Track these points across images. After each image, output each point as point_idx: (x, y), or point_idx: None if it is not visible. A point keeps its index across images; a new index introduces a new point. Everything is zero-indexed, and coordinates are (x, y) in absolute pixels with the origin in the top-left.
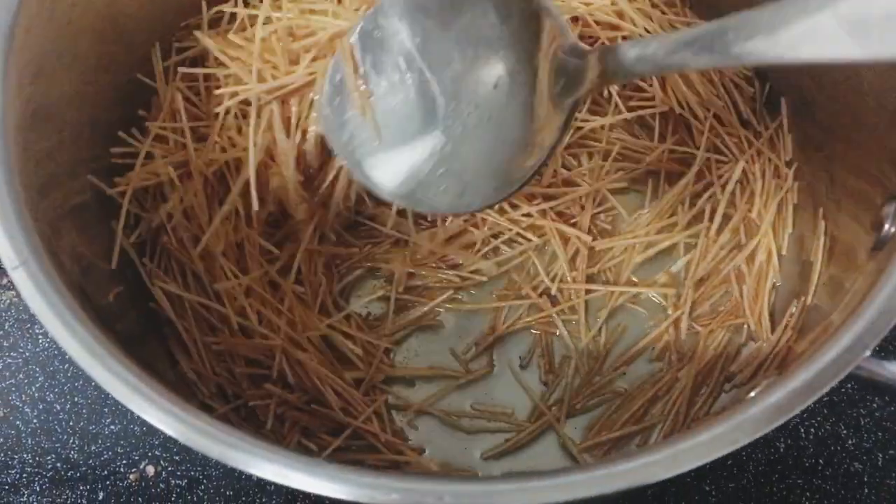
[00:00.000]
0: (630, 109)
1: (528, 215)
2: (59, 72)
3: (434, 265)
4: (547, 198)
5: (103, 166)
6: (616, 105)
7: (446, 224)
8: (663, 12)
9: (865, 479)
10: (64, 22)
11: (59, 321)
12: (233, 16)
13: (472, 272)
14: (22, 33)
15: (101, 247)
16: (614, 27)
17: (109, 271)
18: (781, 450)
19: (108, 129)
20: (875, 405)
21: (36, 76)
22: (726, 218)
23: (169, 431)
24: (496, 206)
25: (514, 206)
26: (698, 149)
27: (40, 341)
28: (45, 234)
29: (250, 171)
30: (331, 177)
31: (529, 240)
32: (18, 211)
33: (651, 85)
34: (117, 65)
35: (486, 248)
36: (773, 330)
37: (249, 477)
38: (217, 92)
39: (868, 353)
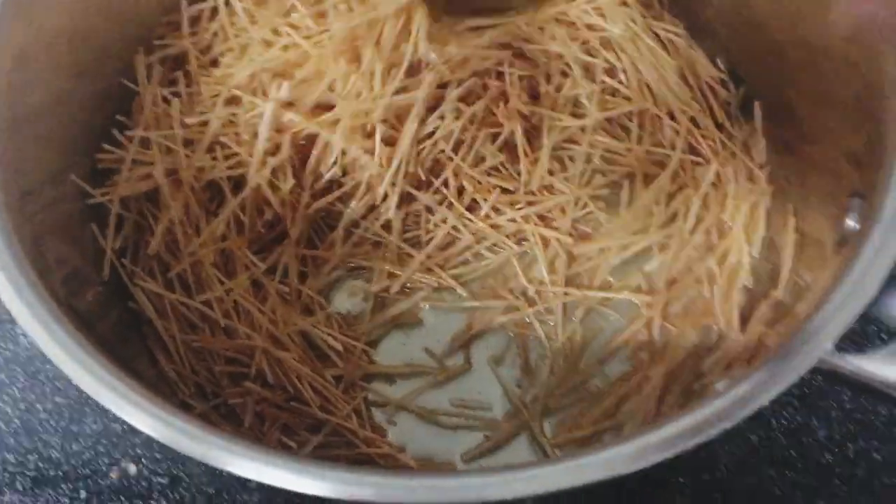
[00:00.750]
0: (607, 110)
1: (512, 220)
2: (37, 76)
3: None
4: (530, 203)
5: (86, 170)
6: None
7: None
8: (643, 15)
9: (836, 471)
10: (39, 26)
11: (39, 324)
12: (214, 11)
13: (453, 275)
14: None
15: (82, 248)
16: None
17: (88, 271)
18: (754, 442)
19: (92, 133)
20: (845, 397)
21: (13, 79)
22: (700, 219)
23: (148, 431)
24: (482, 213)
25: (498, 212)
26: (674, 150)
27: (21, 341)
28: (25, 237)
29: (253, 181)
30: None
31: (511, 247)
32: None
33: (628, 86)
34: (97, 69)
35: (469, 252)
36: (742, 329)
37: (230, 474)
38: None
39: (830, 345)
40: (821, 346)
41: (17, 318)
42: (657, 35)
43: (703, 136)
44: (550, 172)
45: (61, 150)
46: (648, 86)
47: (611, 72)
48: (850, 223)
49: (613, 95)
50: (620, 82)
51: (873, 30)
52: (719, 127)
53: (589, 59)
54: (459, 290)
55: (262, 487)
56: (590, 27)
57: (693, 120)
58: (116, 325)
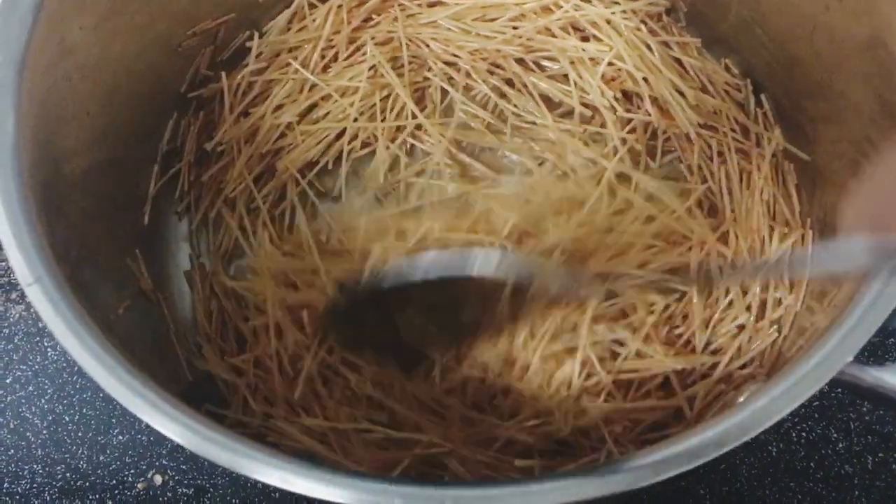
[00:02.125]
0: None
1: None
2: (69, 101)
3: None
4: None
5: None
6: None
7: None
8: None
9: (856, 482)
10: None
11: (73, 336)
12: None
13: None
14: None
15: (113, 266)
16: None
17: (118, 284)
18: (774, 453)
19: (125, 164)
20: (864, 409)
21: (45, 106)
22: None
23: (177, 439)
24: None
25: None
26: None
27: (49, 354)
28: (59, 250)
29: None
30: None
31: None
32: (33, 228)
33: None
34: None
35: None
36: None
37: (255, 485)
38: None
39: (850, 358)
40: (842, 358)
41: (52, 330)
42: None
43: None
44: None
45: (96, 173)
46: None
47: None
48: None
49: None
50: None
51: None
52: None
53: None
54: None
55: (285, 498)
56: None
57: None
58: (145, 338)
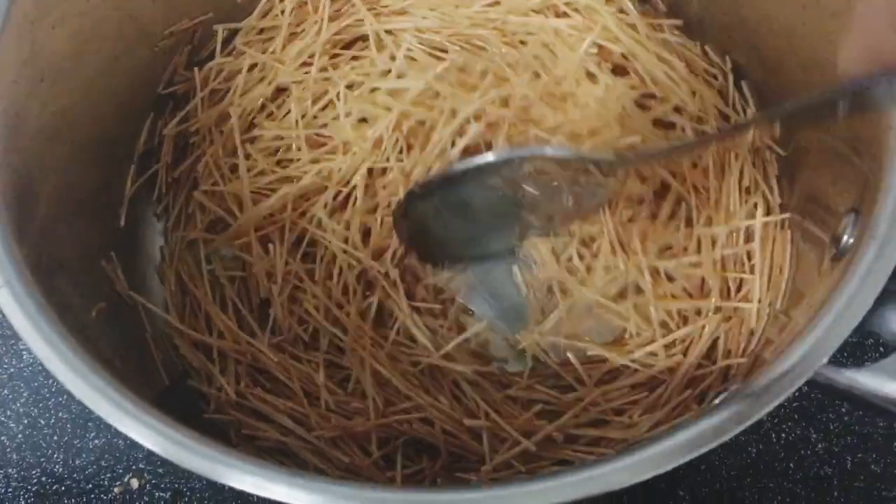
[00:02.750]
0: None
1: None
2: (41, 94)
3: None
4: None
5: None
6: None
7: None
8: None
9: (835, 483)
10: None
11: (43, 340)
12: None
13: None
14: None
15: (87, 269)
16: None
17: (91, 287)
18: (753, 454)
19: (100, 166)
20: (844, 410)
21: (17, 102)
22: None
23: (149, 445)
24: None
25: None
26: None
27: (24, 357)
28: (30, 254)
29: None
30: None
31: None
32: (3, 230)
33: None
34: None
35: None
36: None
37: (232, 489)
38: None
39: (825, 360)
40: (818, 360)
41: (22, 334)
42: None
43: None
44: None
45: (70, 171)
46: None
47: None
48: (846, 237)
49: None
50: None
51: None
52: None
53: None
54: None
55: (263, 502)
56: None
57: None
58: (118, 341)
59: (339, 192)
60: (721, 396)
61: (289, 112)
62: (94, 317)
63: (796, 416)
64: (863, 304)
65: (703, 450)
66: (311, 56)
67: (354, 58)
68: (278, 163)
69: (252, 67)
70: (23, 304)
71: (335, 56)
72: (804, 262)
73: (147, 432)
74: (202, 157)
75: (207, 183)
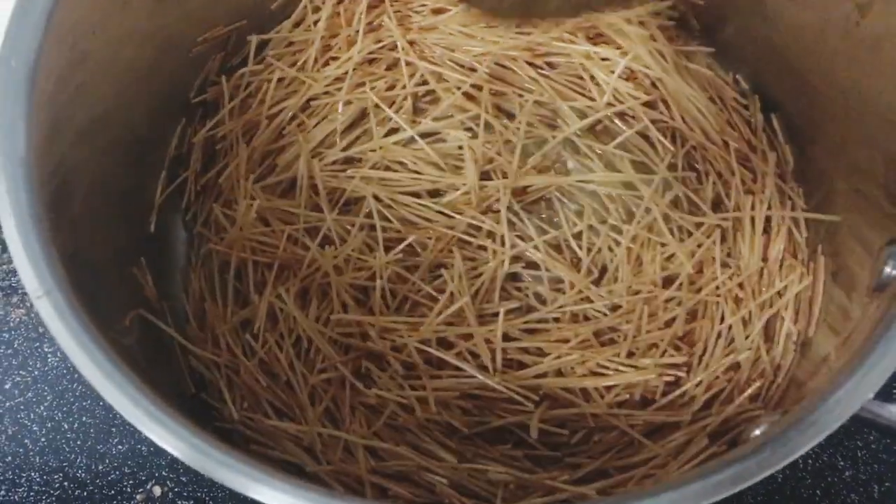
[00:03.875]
0: None
1: None
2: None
3: None
4: None
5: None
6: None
7: None
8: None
9: None
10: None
11: (81, 349)
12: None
13: None
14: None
15: (119, 276)
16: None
17: (125, 297)
18: (780, 480)
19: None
20: (871, 438)
21: (56, 117)
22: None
23: (173, 451)
24: None
25: None
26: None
27: (49, 360)
28: (66, 261)
29: None
30: None
31: None
32: (42, 242)
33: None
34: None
35: None
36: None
37: (255, 500)
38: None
39: (871, 395)
40: (862, 396)
41: (61, 343)
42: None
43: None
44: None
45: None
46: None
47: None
48: (888, 269)
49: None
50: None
51: None
52: (752, 149)
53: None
54: None
55: None
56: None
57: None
58: (148, 348)
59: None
60: (760, 428)
61: (318, 123)
62: (127, 325)
63: (823, 443)
64: None
65: (748, 483)
66: (344, 73)
67: (388, 67)
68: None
69: (281, 80)
70: (62, 313)
71: (369, 62)
72: (842, 289)
73: (176, 441)
74: (227, 168)
75: (230, 194)
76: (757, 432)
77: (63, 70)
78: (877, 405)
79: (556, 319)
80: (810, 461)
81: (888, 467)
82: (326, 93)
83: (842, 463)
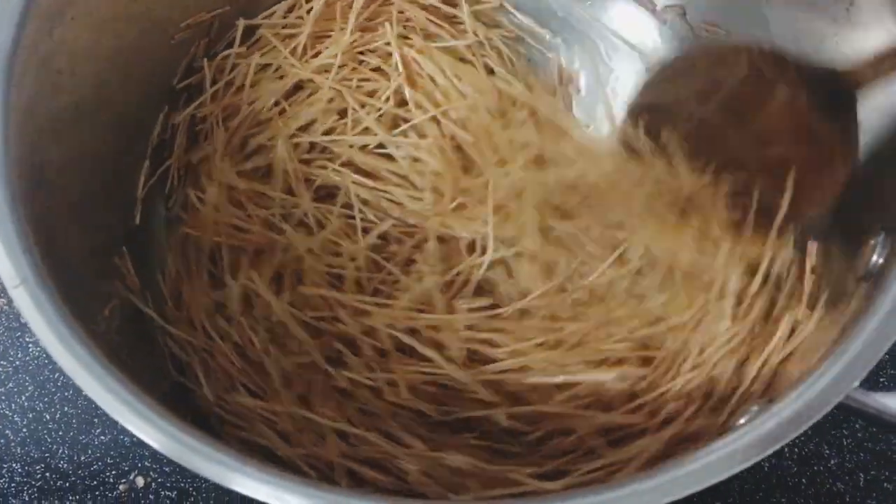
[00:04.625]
0: None
1: None
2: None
3: None
4: None
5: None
6: None
7: None
8: None
9: (847, 499)
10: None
11: (58, 339)
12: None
13: None
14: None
15: (99, 265)
16: None
17: (104, 287)
18: (766, 469)
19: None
20: (857, 426)
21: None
22: None
23: (154, 444)
24: None
25: None
26: None
27: (30, 350)
28: (44, 250)
29: None
30: None
31: None
32: (19, 228)
33: None
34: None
35: None
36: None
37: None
38: None
39: (857, 383)
40: (848, 384)
41: (37, 333)
42: None
43: None
44: None
45: (84, 168)
46: None
47: None
48: (874, 258)
49: None
50: None
51: None
52: None
53: None
54: None
55: None
56: None
57: None
58: (129, 339)
59: None
60: (745, 417)
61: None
62: (106, 315)
63: (809, 432)
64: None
65: (730, 472)
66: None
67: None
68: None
69: (267, 66)
70: (38, 302)
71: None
72: (829, 280)
73: (158, 435)
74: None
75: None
76: (742, 421)
77: (41, 58)
78: (862, 393)
79: (524, 316)
80: (796, 450)
81: (874, 456)
82: (311, 81)
83: (827, 451)
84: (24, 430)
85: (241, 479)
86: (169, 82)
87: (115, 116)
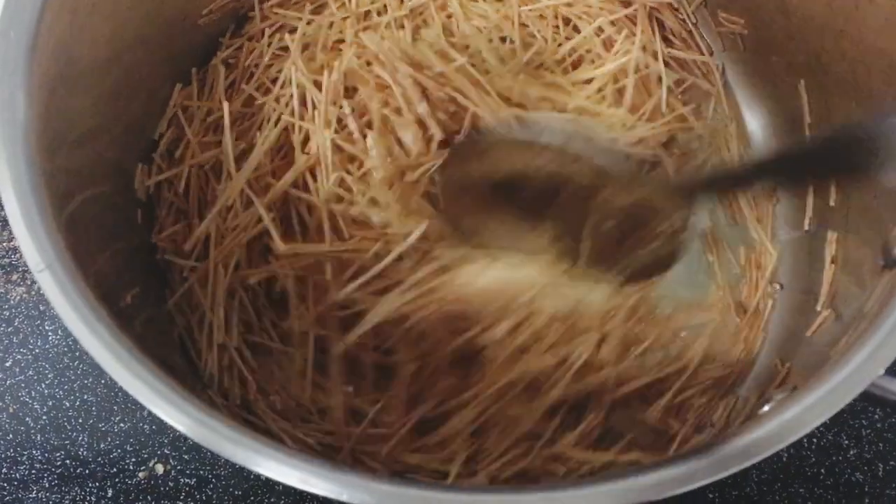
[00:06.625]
0: None
1: None
2: (78, 84)
3: None
4: None
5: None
6: None
7: None
8: None
9: (866, 490)
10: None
11: (83, 323)
12: None
13: None
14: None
15: (124, 251)
16: None
17: (128, 273)
18: (784, 459)
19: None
20: (876, 416)
21: (54, 88)
22: None
23: (180, 428)
24: None
25: None
26: None
27: (50, 338)
28: (69, 237)
29: None
30: None
31: None
32: (43, 214)
33: None
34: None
35: None
36: None
37: (258, 476)
38: None
39: (882, 371)
40: (872, 372)
41: (62, 316)
42: None
43: None
44: None
45: (104, 150)
46: None
47: None
48: None
49: None
50: None
51: None
52: None
53: None
54: None
55: (288, 491)
56: None
57: None
58: (151, 325)
59: None
60: (769, 405)
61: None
62: (129, 301)
63: (829, 422)
64: None
65: (758, 458)
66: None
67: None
68: None
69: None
70: (63, 287)
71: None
72: (850, 270)
73: (177, 414)
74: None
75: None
76: (766, 408)
77: (63, 38)
78: (887, 380)
79: None
80: (815, 440)
81: (893, 446)
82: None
83: (846, 442)
84: (45, 417)
85: (270, 464)
86: (189, 67)
87: (137, 101)
